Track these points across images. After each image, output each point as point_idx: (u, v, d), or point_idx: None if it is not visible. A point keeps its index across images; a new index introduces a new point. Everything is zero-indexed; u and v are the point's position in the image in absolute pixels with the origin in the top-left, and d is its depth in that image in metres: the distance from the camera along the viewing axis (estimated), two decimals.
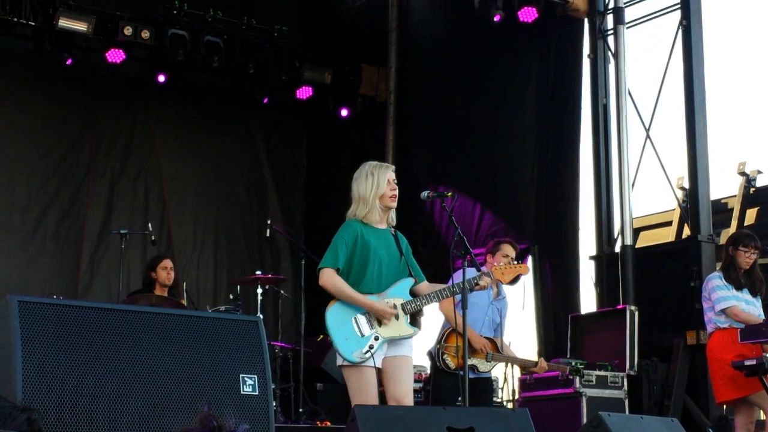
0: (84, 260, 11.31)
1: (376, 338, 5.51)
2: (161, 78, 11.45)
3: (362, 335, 5.51)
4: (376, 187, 5.62)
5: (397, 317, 5.57)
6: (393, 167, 5.77)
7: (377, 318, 5.53)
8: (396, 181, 5.71)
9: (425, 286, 5.74)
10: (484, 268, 5.92)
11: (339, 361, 5.59)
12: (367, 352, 5.44)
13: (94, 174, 11.64)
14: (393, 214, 5.76)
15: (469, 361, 6.34)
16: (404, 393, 5.57)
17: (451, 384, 6.60)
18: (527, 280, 8.66)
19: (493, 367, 7.21)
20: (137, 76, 11.63)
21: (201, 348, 5.10)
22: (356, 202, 5.70)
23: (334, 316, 5.57)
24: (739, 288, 7.10)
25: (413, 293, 5.68)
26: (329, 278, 5.56)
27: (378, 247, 5.61)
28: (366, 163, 5.82)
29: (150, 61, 11.47)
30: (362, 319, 5.54)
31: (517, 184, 10.57)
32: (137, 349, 4.78)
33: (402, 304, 5.60)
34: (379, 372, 5.54)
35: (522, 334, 9.21)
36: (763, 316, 7.00)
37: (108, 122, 11.82)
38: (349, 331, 5.52)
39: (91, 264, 11.35)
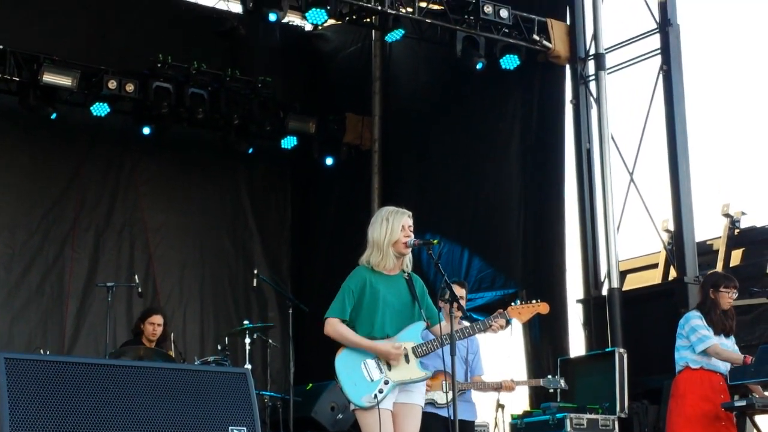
0: (70, 314, 11.26)
1: (386, 382, 5.47)
2: (146, 130, 11.47)
3: (372, 380, 5.47)
4: (390, 233, 5.56)
5: (408, 360, 5.54)
6: (409, 213, 5.66)
7: (387, 362, 5.50)
8: (411, 227, 5.66)
9: (440, 329, 5.64)
10: (499, 311, 5.86)
11: (352, 407, 5.56)
12: (375, 396, 5.40)
13: (78, 228, 11.62)
14: (409, 259, 5.70)
15: (427, 396, 6.21)
16: None
17: (441, 426, 6.51)
18: (516, 325, 8.65)
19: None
20: (122, 129, 11.65)
21: (190, 401, 5.09)
22: (370, 248, 5.63)
23: (344, 361, 5.54)
24: (718, 331, 7.06)
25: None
26: (333, 327, 5.53)
27: (387, 294, 5.57)
28: (383, 208, 5.78)
29: (135, 113, 11.50)
30: (371, 363, 5.51)
31: (503, 229, 10.59)
32: (125, 404, 4.76)
33: (413, 348, 5.57)
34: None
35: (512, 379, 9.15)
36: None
37: (92, 176, 11.82)
38: (358, 376, 5.49)
39: (78, 317, 11.29)
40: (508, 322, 6.11)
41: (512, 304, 6.05)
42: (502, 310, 5.86)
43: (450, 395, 6.88)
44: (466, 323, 5.79)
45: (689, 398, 7.02)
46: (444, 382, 6.73)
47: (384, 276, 5.61)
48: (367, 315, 5.55)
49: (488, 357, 7.30)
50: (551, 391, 7.96)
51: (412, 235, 5.62)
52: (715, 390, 6.87)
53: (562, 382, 7.52)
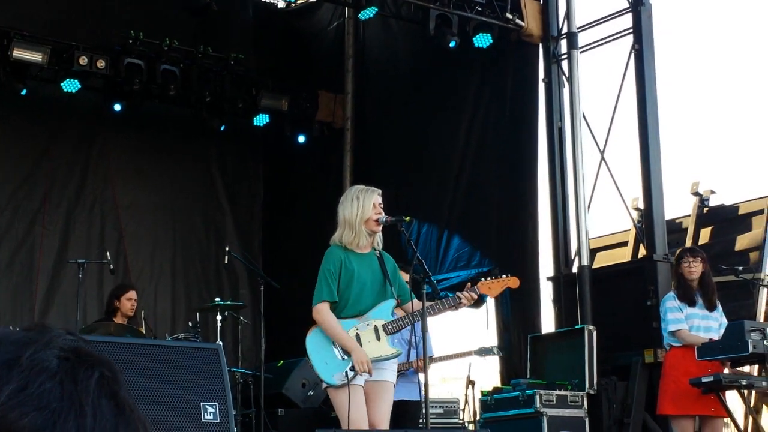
0: (40, 291, 11.21)
1: None
2: (117, 107, 11.41)
3: (343, 358, 5.50)
4: (361, 211, 5.58)
5: (378, 337, 5.57)
6: (379, 191, 5.70)
7: (359, 340, 5.53)
8: (382, 205, 5.68)
9: (412, 306, 5.71)
10: (468, 285, 5.89)
11: (324, 385, 5.58)
12: (347, 374, 5.43)
13: (49, 204, 11.55)
14: (379, 238, 5.73)
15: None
16: (380, 418, 5.56)
17: None
18: (489, 302, 8.71)
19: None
20: (93, 106, 11.58)
21: (161, 377, 5.09)
22: (341, 227, 5.66)
23: (315, 340, 5.57)
24: (692, 304, 7.21)
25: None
26: (322, 315, 5.55)
27: (361, 272, 5.59)
28: (352, 186, 5.82)
29: (106, 90, 11.43)
30: None
31: (479, 208, 10.64)
32: None
33: (383, 325, 5.60)
34: None
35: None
36: (720, 330, 7.09)
37: (63, 152, 11.75)
38: (329, 355, 5.51)
39: (48, 294, 11.24)
40: (480, 298, 6.15)
41: (481, 279, 6.10)
42: (471, 285, 5.90)
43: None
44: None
45: (672, 375, 7.17)
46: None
47: (356, 254, 5.63)
48: (341, 293, 5.58)
49: (455, 333, 7.34)
50: (484, 359, 7.89)
51: (383, 213, 5.64)
52: (699, 366, 6.95)
53: (495, 350, 7.53)
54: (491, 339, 9.99)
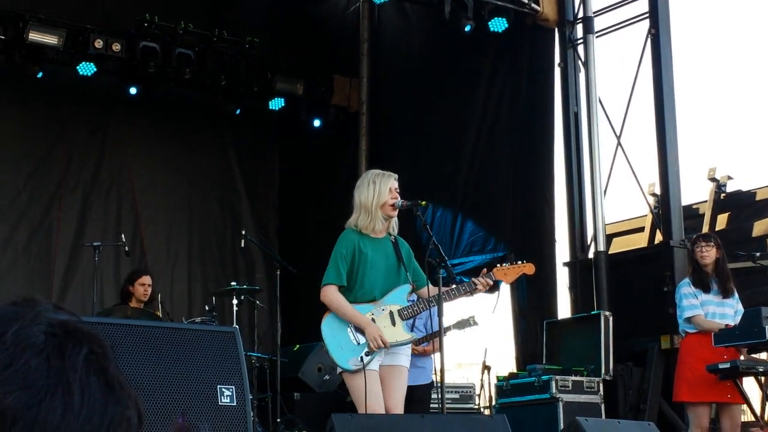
0: (57, 274, 11.25)
1: None
2: (133, 90, 11.42)
3: (358, 343, 5.51)
4: (377, 195, 5.57)
5: (393, 323, 5.57)
6: (395, 176, 5.70)
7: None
8: (398, 190, 5.66)
9: (428, 291, 5.69)
10: (483, 271, 5.89)
11: (339, 370, 5.59)
12: (362, 359, 5.44)
13: (65, 188, 11.58)
14: (395, 222, 5.72)
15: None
16: (395, 403, 5.57)
17: None
18: (504, 287, 8.68)
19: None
20: (108, 89, 11.59)
21: (178, 359, 5.10)
22: (357, 211, 5.65)
23: (330, 325, 5.58)
24: (707, 290, 7.18)
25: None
26: (331, 295, 5.55)
27: (375, 257, 5.59)
28: (368, 171, 5.81)
29: (121, 73, 11.44)
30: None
31: (494, 192, 10.61)
32: None
33: (399, 310, 5.59)
34: None
35: (500, 341, 9.23)
36: (736, 318, 7.07)
37: (79, 135, 11.77)
38: (344, 340, 5.52)
39: (65, 277, 11.28)
40: (495, 284, 6.13)
41: (497, 265, 6.09)
42: (486, 271, 5.89)
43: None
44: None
45: (688, 362, 7.15)
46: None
47: (371, 239, 5.63)
48: (355, 278, 5.58)
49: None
50: (463, 331, 7.66)
51: (399, 197, 5.63)
52: (715, 352, 6.93)
53: (473, 320, 7.23)
54: (506, 325, 9.98)
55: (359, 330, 5.52)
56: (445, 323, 7.52)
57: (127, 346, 4.91)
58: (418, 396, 6.84)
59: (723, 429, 7.14)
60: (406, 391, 6.44)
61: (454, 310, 7.19)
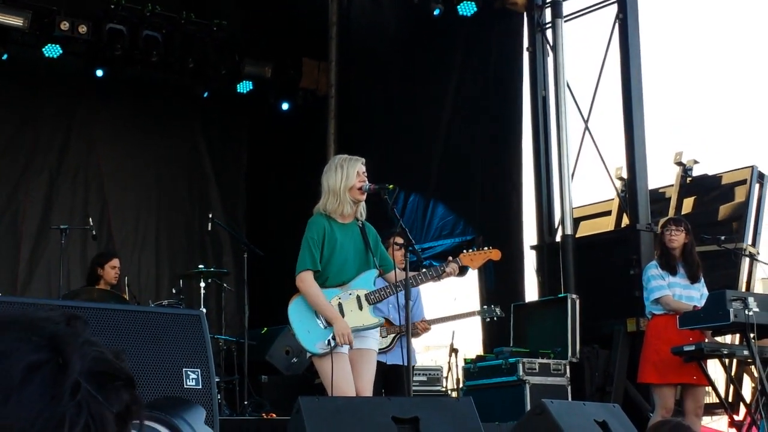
0: (23, 257, 11.18)
1: None
2: (99, 73, 11.35)
3: (325, 327, 5.52)
4: (345, 179, 5.58)
5: (360, 307, 5.58)
6: (363, 160, 5.70)
7: (341, 310, 5.54)
8: (366, 174, 5.67)
9: (395, 276, 5.71)
10: (449, 258, 5.93)
11: (308, 354, 5.61)
12: (329, 342, 5.45)
13: (31, 171, 11.49)
14: (363, 207, 5.72)
15: None
16: (363, 386, 5.59)
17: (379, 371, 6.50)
18: (472, 271, 8.71)
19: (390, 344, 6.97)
20: (75, 72, 11.50)
21: (143, 343, 5.07)
22: (326, 195, 5.65)
23: (297, 309, 5.58)
24: (674, 273, 7.24)
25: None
26: (308, 284, 5.55)
27: (344, 241, 5.60)
28: (336, 155, 5.81)
29: (88, 56, 11.35)
30: None
31: (464, 176, 10.63)
32: None
33: (365, 295, 5.61)
34: None
35: (467, 324, 9.24)
36: (701, 302, 7.13)
37: (45, 118, 11.68)
38: (311, 324, 5.53)
39: (30, 261, 11.21)
40: (462, 269, 6.17)
41: (464, 251, 6.14)
42: (451, 258, 5.95)
43: (388, 340, 6.97)
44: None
45: (654, 344, 7.21)
46: (383, 328, 6.77)
47: (339, 224, 5.64)
48: (325, 262, 5.59)
49: (438, 301, 7.34)
50: (487, 319, 7.95)
51: (367, 181, 5.64)
52: (681, 335, 6.98)
53: (498, 311, 7.57)
54: (474, 307, 10.01)
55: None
56: (470, 309, 7.71)
57: (93, 330, 4.88)
58: (404, 376, 6.87)
59: (686, 410, 7.20)
60: (387, 371, 6.51)
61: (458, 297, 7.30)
